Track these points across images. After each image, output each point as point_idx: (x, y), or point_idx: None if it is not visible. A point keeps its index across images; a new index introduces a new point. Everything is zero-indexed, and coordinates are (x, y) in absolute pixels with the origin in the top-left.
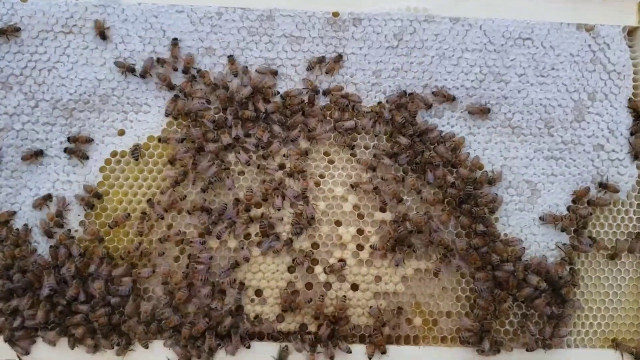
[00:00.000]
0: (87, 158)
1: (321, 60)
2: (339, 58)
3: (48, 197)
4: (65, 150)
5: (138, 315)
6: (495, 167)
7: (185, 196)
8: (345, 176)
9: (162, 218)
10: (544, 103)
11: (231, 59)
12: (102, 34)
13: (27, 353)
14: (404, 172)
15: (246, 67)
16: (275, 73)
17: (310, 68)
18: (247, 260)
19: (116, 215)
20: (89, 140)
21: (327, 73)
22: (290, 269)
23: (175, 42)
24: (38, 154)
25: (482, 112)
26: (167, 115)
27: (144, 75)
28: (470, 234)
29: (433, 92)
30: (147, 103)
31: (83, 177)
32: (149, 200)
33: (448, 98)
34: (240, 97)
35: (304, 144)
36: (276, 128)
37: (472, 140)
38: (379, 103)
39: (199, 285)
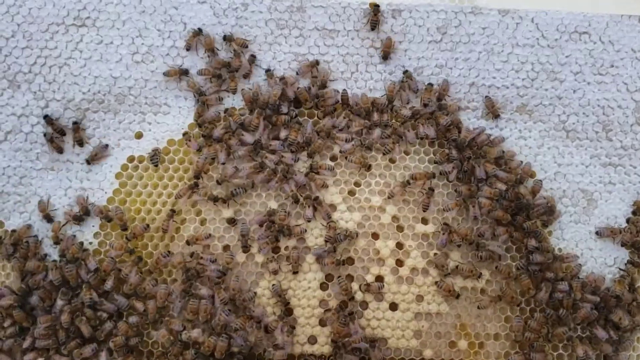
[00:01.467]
0: (82, 145)
1: (376, 10)
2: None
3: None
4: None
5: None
6: (548, 174)
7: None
8: (383, 184)
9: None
10: (602, 104)
11: (229, 36)
12: (185, 71)
13: None
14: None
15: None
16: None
17: (374, 26)
18: (275, 273)
19: (134, 226)
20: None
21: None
22: (323, 286)
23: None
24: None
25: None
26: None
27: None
28: (522, 249)
29: (486, 96)
30: (167, 103)
31: (98, 183)
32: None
33: (494, 113)
34: (274, 99)
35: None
36: (308, 128)
37: (523, 145)
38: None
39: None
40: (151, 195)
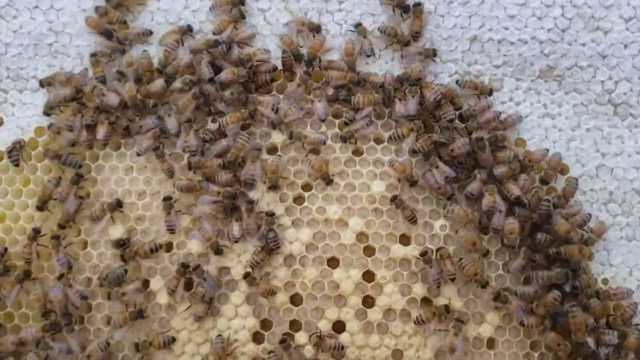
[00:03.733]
0: None
1: None
2: None
3: None
4: None
5: None
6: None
7: None
8: (345, 187)
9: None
10: None
11: None
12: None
13: None
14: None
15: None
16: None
17: None
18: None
19: None
20: None
21: None
22: (257, 337)
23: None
24: None
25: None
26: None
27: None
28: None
29: (457, 83)
30: (36, 76)
31: None
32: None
33: (484, 91)
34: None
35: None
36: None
37: (550, 126)
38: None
39: None
40: (12, 207)
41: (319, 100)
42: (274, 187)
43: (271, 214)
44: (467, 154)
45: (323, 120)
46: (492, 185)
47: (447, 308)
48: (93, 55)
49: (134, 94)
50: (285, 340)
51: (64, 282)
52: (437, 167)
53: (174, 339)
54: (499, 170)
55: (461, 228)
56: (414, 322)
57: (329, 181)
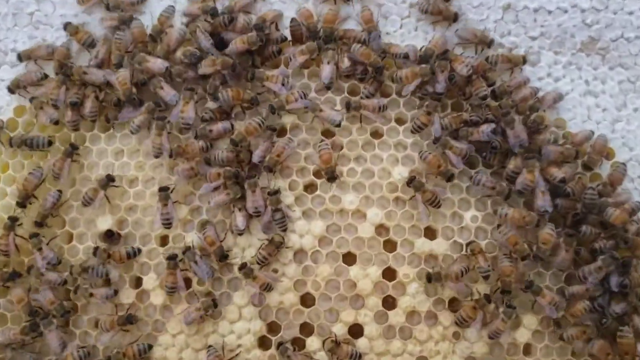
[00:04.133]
0: None
1: None
2: None
3: None
4: None
5: None
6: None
7: None
8: (362, 173)
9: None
10: None
11: None
12: None
13: None
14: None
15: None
16: None
17: None
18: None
19: None
20: None
21: None
22: (264, 342)
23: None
24: None
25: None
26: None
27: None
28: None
29: (487, 60)
30: (16, 49)
31: None
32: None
33: (517, 62)
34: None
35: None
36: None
37: (593, 105)
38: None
39: None
40: None
41: (328, 62)
42: (268, 169)
43: (274, 192)
44: (488, 140)
45: (327, 87)
46: (534, 161)
47: (487, 297)
48: (66, 25)
49: (128, 86)
50: (282, 344)
51: (34, 273)
52: (450, 148)
53: (150, 347)
54: (549, 149)
55: (503, 226)
56: (456, 324)
57: (331, 177)
